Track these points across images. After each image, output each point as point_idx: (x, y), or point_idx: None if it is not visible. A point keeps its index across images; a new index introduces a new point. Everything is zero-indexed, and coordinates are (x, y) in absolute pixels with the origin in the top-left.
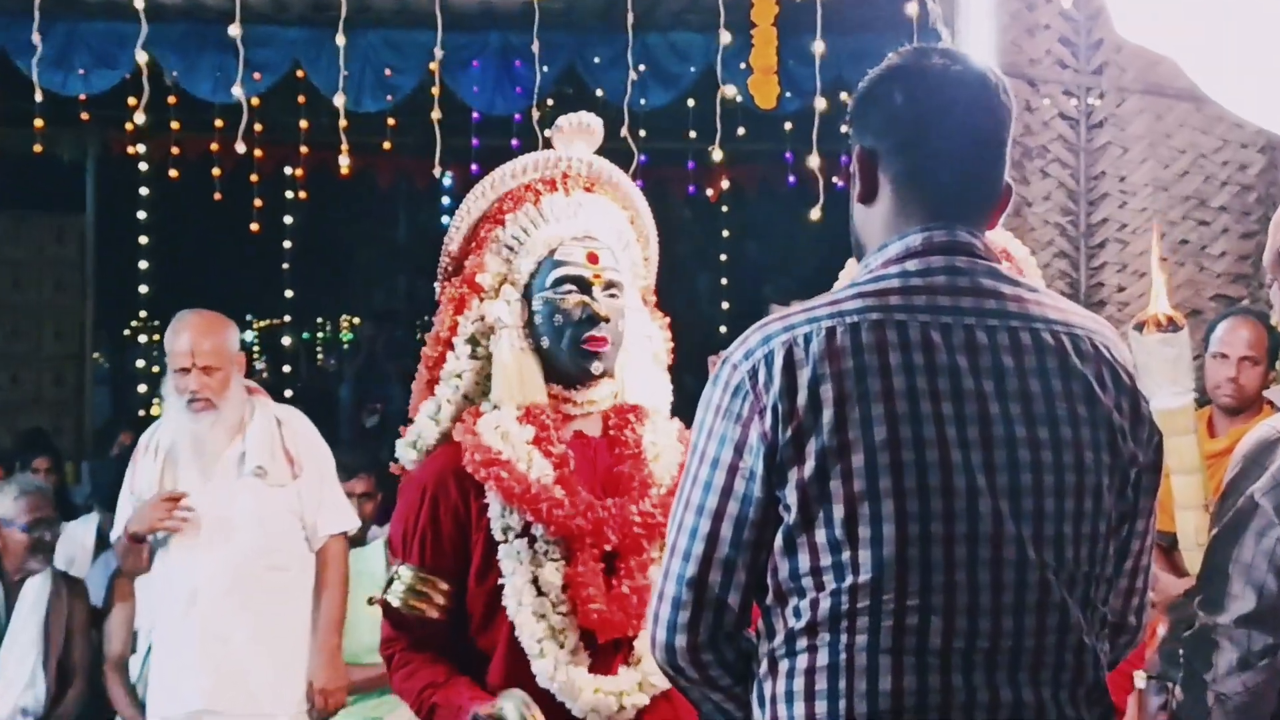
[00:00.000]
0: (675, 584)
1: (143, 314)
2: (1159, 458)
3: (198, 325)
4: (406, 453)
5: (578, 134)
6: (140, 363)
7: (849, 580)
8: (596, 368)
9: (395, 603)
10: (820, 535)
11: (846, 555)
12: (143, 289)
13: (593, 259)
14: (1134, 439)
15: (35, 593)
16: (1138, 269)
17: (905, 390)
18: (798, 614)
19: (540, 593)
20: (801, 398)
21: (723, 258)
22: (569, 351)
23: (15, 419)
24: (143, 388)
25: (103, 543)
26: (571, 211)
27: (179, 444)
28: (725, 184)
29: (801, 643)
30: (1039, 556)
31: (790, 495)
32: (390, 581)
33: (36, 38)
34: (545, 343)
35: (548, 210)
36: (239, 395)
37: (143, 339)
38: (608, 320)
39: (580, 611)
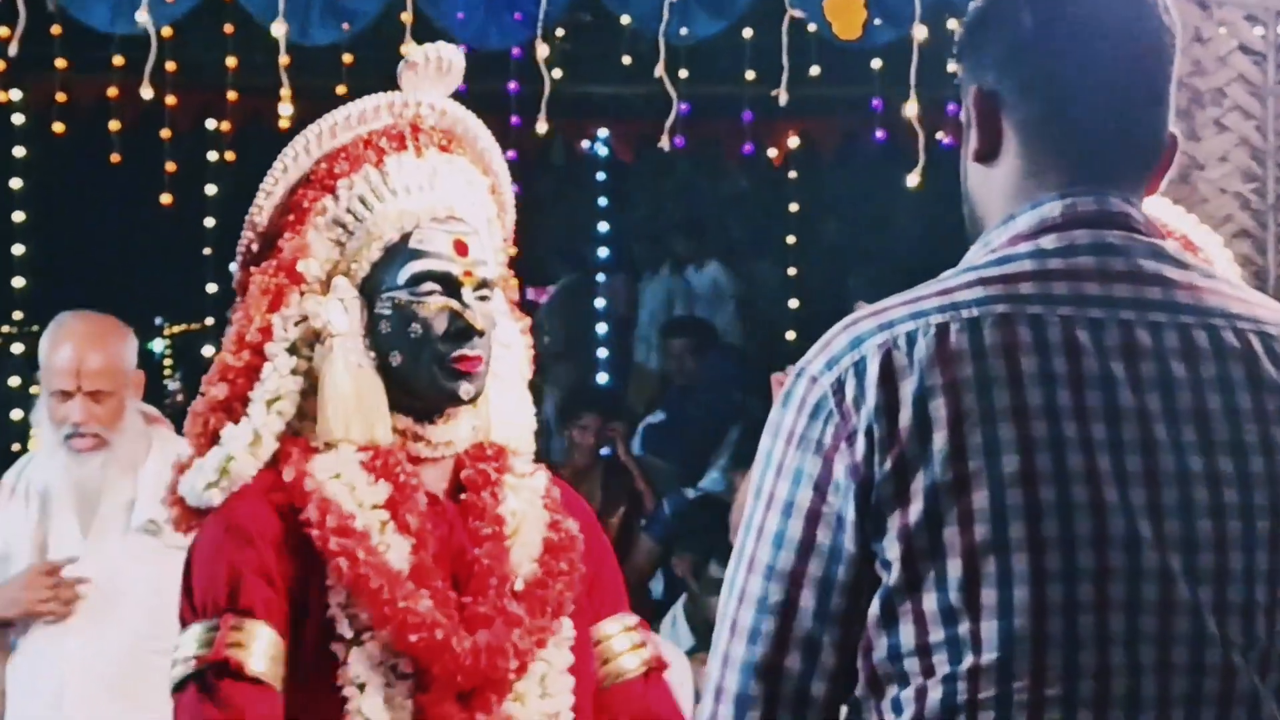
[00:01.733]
0: (740, 675)
1: (16, 315)
2: None
3: (83, 335)
4: (201, 491)
5: (433, 73)
6: (14, 381)
7: (968, 661)
8: (467, 392)
9: (187, 669)
10: (930, 601)
11: (965, 628)
12: (16, 282)
13: (461, 249)
14: None
15: None
16: None
17: (1043, 407)
18: (898, 708)
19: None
20: (905, 417)
21: (790, 240)
22: (430, 373)
23: None
24: (17, 414)
25: None
26: (427, 180)
27: (54, 490)
28: (794, 141)
29: None
30: (1221, 630)
31: (890, 548)
32: (178, 654)
33: None
34: (396, 359)
35: (395, 176)
36: (135, 427)
37: (17, 348)
38: (482, 333)
39: None
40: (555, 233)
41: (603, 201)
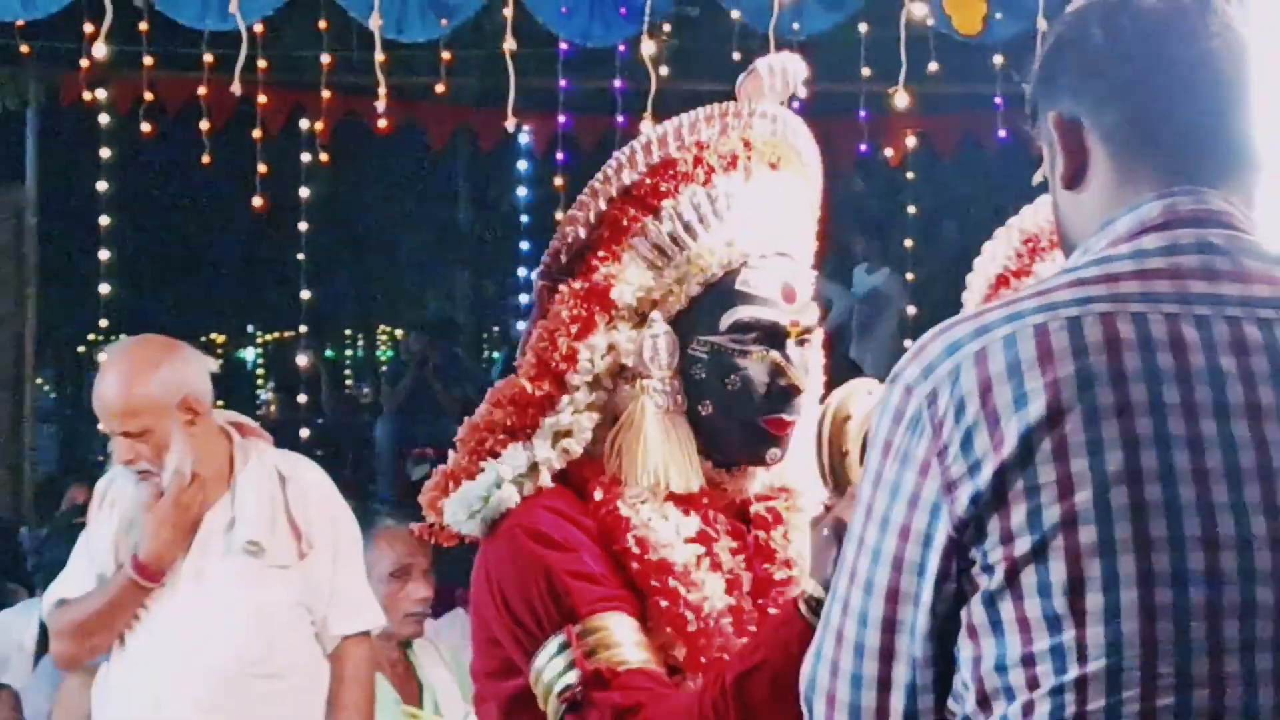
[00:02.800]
0: (850, 687)
1: (103, 323)
2: None
3: (115, 376)
4: (462, 519)
5: (779, 88)
6: None
7: (1074, 671)
8: (774, 457)
9: (572, 679)
10: (1033, 608)
11: (1070, 635)
12: (103, 289)
13: (789, 296)
14: None
15: None
16: None
17: (1148, 404)
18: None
19: None
20: (1005, 422)
21: (908, 244)
22: (741, 431)
23: None
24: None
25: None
26: (757, 208)
27: (128, 511)
28: (912, 141)
29: None
30: None
31: (993, 552)
32: (544, 672)
33: None
34: (706, 409)
35: (724, 201)
36: (214, 446)
37: (103, 358)
38: (802, 392)
39: None
40: None
41: None
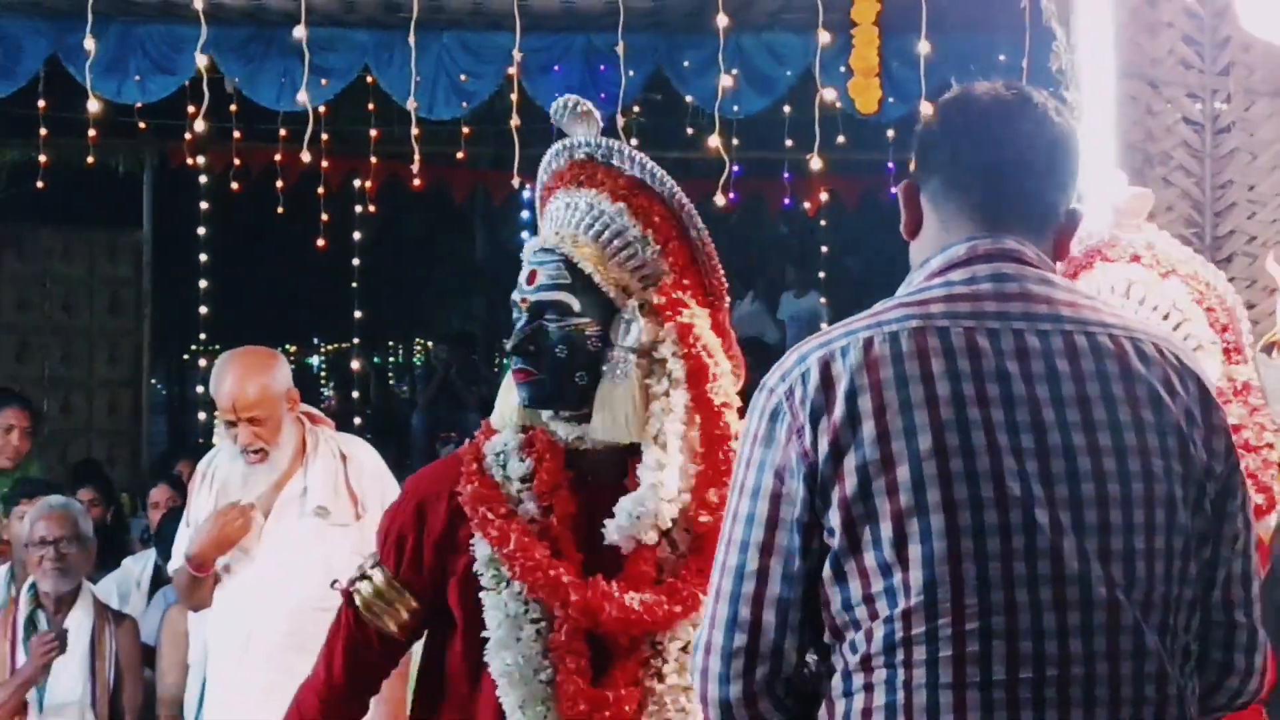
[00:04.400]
0: (723, 631)
1: (202, 336)
2: (1238, 475)
3: (239, 373)
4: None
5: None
6: (200, 389)
7: (901, 605)
8: (523, 399)
9: (357, 601)
10: (869, 558)
11: (898, 578)
12: (202, 310)
13: (529, 279)
14: (1207, 449)
15: (76, 626)
16: (1267, 285)
17: (950, 396)
18: (854, 648)
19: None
20: (839, 411)
21: (821, 275)
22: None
23: (67, 449)
24: (202, 415)
25: (159, 579)
26: (547, 216)
27: (232, 481)
28: (824, 196)
29: (858, 680)
30: (1106, 572)
31: (834, 517)
32: (360, 575)
33: (90, 41)
34: None
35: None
36: (292, 436)
37: (202, 363)
38: (526, 353)
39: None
40: None
41: None
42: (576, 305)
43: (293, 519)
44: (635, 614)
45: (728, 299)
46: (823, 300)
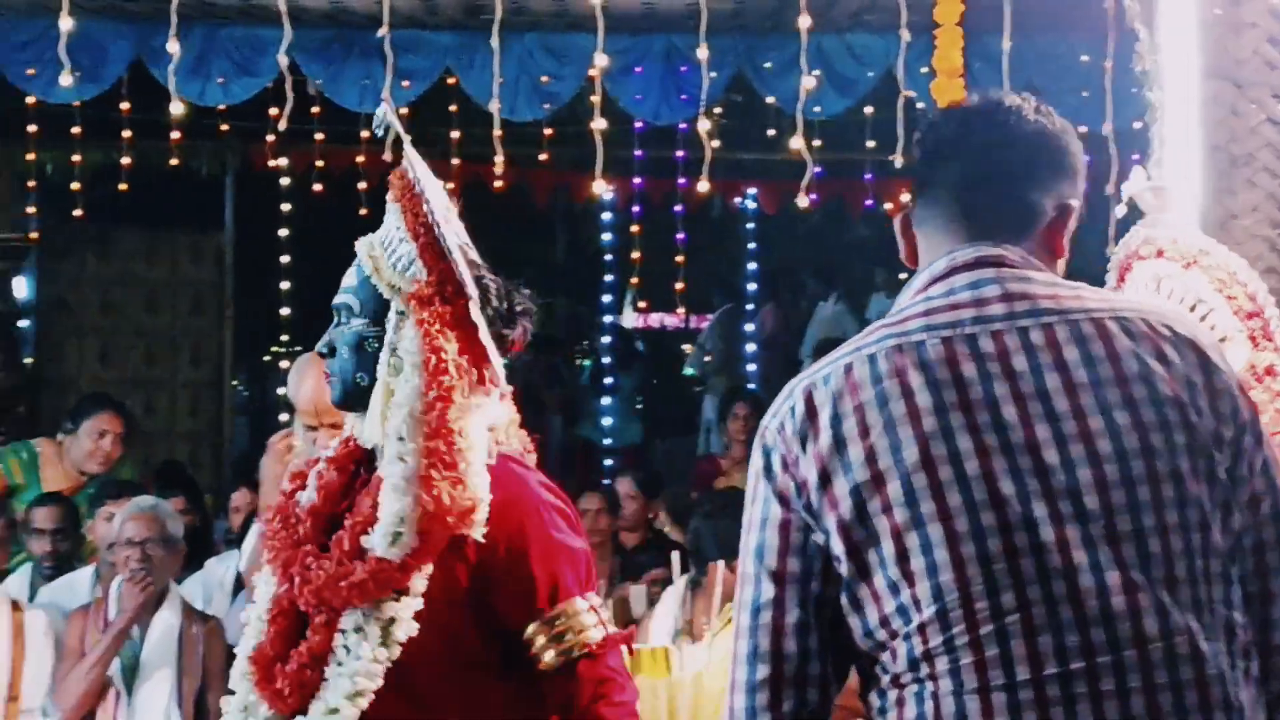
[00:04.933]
0: (746, 666)
1: (283, 338)
2: (1253, 436)
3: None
4: None
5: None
6: (281, 390)
7: (915, 620)
8: (329, 399)
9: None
10: (878, 580)
11: (906, 594)
12: (284, 311)
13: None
14: (1213, 414)
15: (164, 626)
16: None
17: (932, 407)
18: (884, 669)
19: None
20: (824, 439)
21: (902, 277)
22: None
23: (150, 450)
24: (284, 416)
25: (241, 581)
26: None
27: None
28: (905, 197)
29: (891, 697)
30: (1116, 555)
31: (837, 545)
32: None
33: (174, 44)
34: None
35: None
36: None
37: (283, 365)
38: (324, 354)
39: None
40: (714, 271)
41: (751, 246)
42: (357, 307)
43: None
44: (318, 584)
45: (476, 291)
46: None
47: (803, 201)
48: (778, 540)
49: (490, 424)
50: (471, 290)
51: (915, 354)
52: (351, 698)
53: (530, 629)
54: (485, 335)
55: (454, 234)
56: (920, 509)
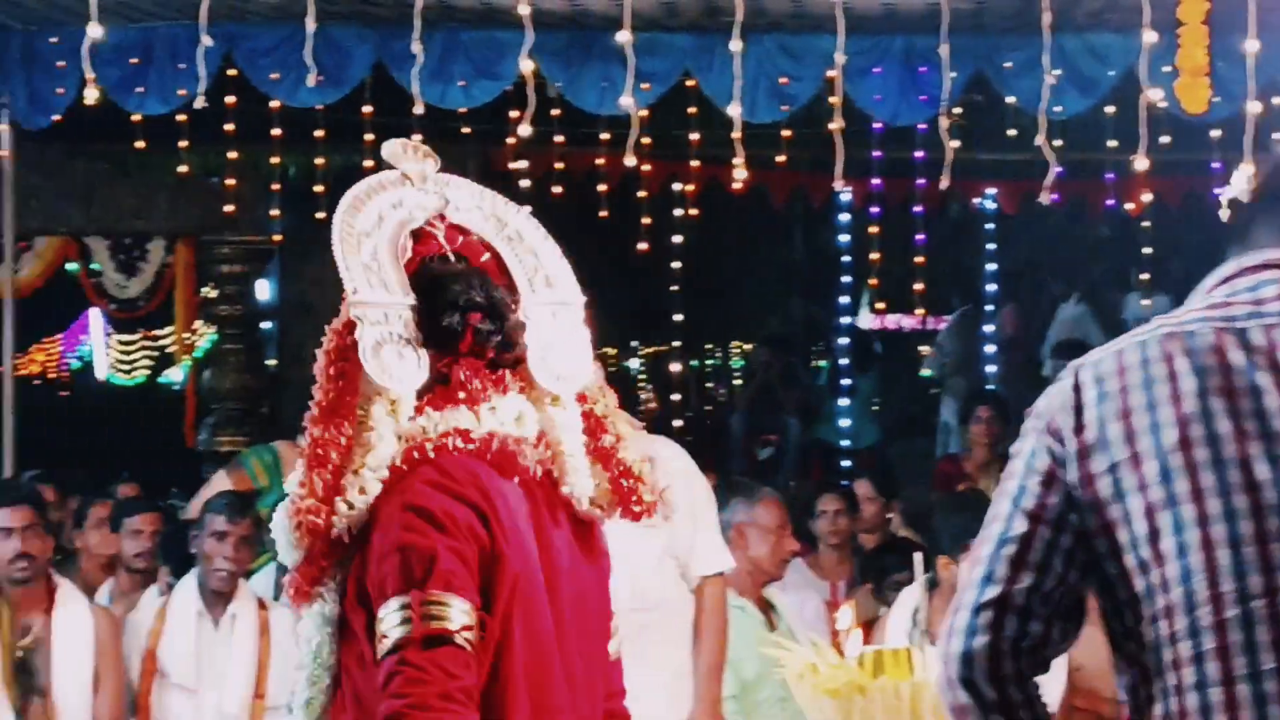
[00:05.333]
0: (976, 589)
1: None
2: None
3: None
4: None
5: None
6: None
7: (1161, 602)
8: None
9: None
10: (1129, 559)
11: (1155, 575)
12: None
13: None
14: None
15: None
16: None
17: (1195, 390)
18: (1132, 659)
19: None
20: (1089, 416)
21: (1144, 277)
22: None
23: None
24: None
25: None
26: None
27: None
28: (1147, 197)
29: (1142, 694)
30: None
31: (1091, 520)
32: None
33: (417, 47)
34: None
35: None
36: None
37: None
38: None
39: None
40: (952, 272)
41: (990, 246)
42: None
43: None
44: None
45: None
46: (1145, 302)
47: (1045, 201)
48: (1039, 487)
49: (446, 424)
50: (349, 289)
51: (1184, 341)
52: (303, 705)
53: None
54: (365, 342)
55: (353, 238)
56: (1174, 488)
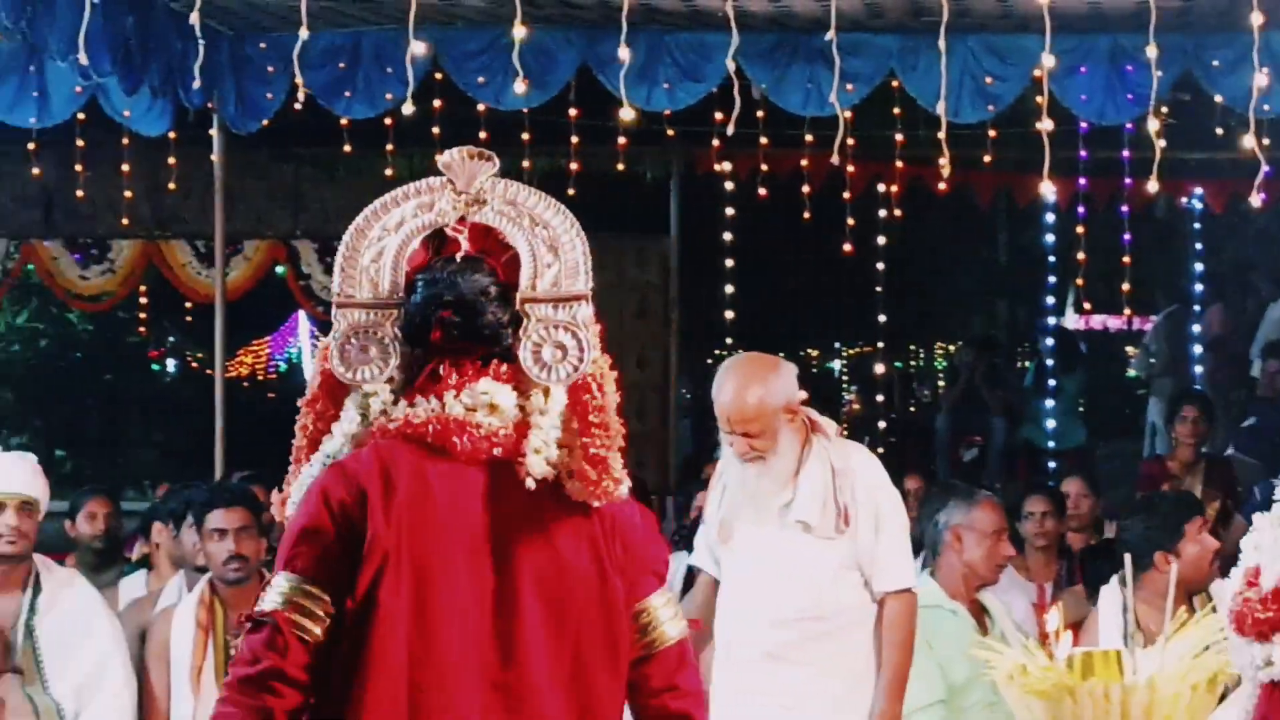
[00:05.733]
0: None
1: (728, 340)
2: None
3: (737, 385)
4: None
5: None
6: None
7: None
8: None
9: None
10: None
11: None
12: (727, 315)
13: None
14: None
15: None
16: None
17: None
18: None
19: None
20: None
21: None
22: None
23: None
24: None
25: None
26: None
27: (732, 485)
28: None
29: None
30: None
31: None
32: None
33: (624, 50)
34: None
35: None
36: (791, 444)
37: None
38: None
39: None
40: (1158, 272)
41: (1197, 246)
42: None
43: (773, 529)
44: None
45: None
46: None
47: (1255, 201)
48: None
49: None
50: (335, 290)
51: None
52: None
53: None
54: (333, 339)
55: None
56: None
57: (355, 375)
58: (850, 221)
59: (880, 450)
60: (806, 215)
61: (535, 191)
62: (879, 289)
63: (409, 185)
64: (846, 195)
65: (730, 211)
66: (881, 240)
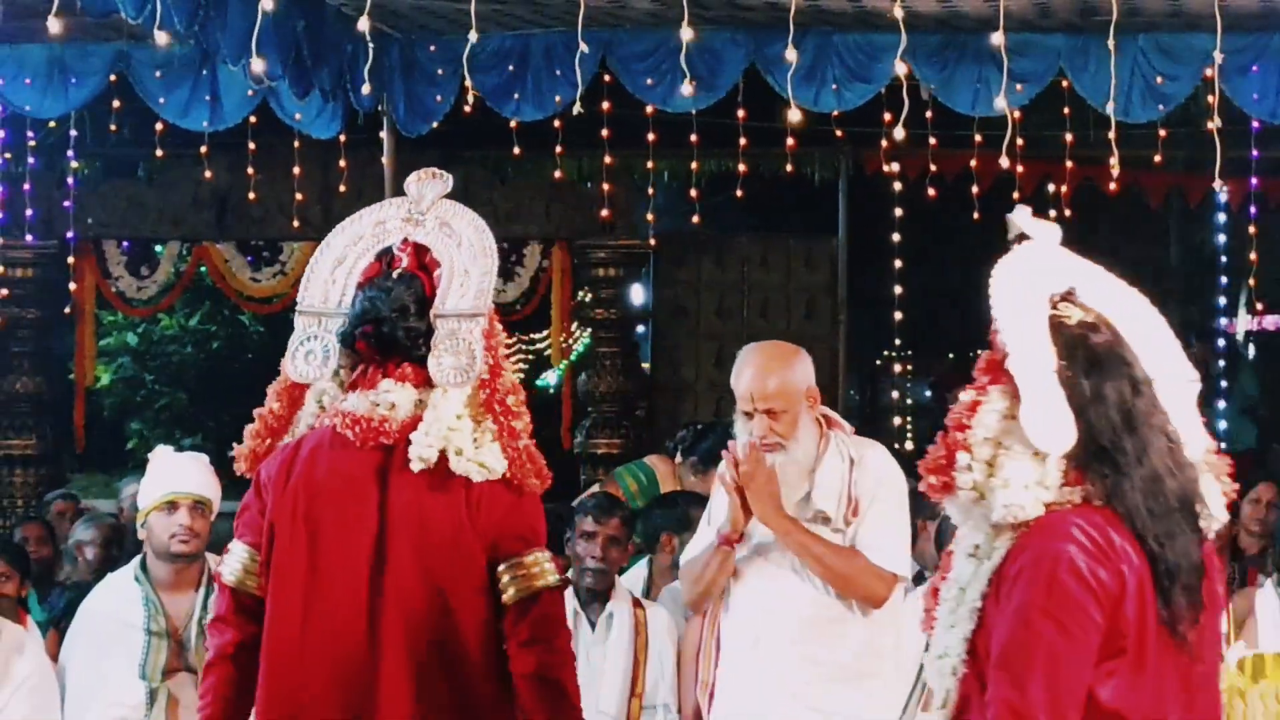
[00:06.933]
0: None
1: (896, 342)
2: None
3: (760, 364)
4: None
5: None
6: (894, 394)
7: None
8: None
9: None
10: None
11: None
12: (896, 316)
13: None
14: None
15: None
16: None
17: None
18: None
19: None
20: None
21: None
22: None
23: None
24: (896, 421)
25: None
26: None
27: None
28: None
29: None
30: None
31: None
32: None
33: (791, 52)
34: None
35: None
36: (809, 434)
37: (896, 369)
38: None
39: None
40: None
41: None
42: None
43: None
44: None
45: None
46: None
47: None
48: None
49: (340, 408)
50: (299, 297)
51: None
52: None
53: None
54: (290, 343)
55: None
56: None
57: (300, 374)
58: None
59: None
60: (976, 216)
61: (468, 214)
62: None
63: (375, 204)
64: (1016, 196)
65: (899, 212)
66: None
